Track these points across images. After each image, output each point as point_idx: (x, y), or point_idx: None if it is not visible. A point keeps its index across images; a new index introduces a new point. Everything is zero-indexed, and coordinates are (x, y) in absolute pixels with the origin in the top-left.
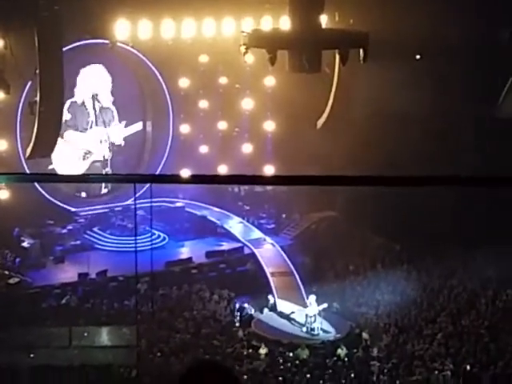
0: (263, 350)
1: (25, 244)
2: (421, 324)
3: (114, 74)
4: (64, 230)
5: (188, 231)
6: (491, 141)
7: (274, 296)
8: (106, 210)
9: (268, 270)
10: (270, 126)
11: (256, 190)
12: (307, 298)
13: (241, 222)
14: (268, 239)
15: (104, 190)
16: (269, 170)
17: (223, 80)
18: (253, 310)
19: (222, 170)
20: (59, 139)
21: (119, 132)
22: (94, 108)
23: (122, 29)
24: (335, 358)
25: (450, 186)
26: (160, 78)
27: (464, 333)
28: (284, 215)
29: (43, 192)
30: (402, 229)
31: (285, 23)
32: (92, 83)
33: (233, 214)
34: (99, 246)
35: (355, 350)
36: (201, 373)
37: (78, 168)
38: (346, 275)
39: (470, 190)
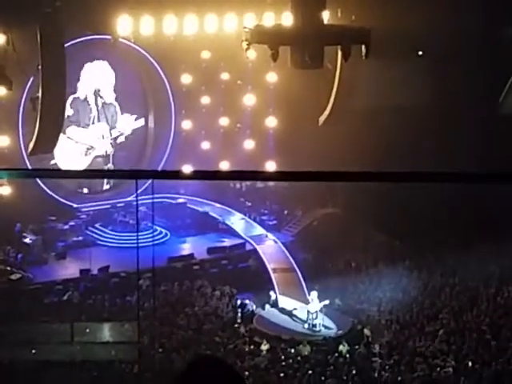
0: (265, 347)
1: (27, 240)
2: (422, 321)
3: (115, 69)
4: (66, 226)
5: (190, 227)
6: (491, 139)
7: (275, 292)
8: (108, 206)
9: (270, 267)
10: (271, 122)
11: (258, 186)
12: (309, 294)
13: (243, 219)
14: (270, 235)
15: (106, 186)
16: (271, 166)
17: (225, 76)
18: (254, 307)
19: (224, 166)
20: (61, 135)
21: (129, 123)
22: (97, 104)
23: (124, 24)
24: (337, 355)
25: (456, 182)
26: (162, 73)
27: (465, 329)
28: (286, 211)
29: (45, 188)
30: (404, 226)
31: (287, 19)
32: (94, 79)
33: (235, 210)
34: (101, 242)
35: (357, 347)
36: (202, 368)
37: (81, 163)
38: (347, 272)
39: (472, 186)
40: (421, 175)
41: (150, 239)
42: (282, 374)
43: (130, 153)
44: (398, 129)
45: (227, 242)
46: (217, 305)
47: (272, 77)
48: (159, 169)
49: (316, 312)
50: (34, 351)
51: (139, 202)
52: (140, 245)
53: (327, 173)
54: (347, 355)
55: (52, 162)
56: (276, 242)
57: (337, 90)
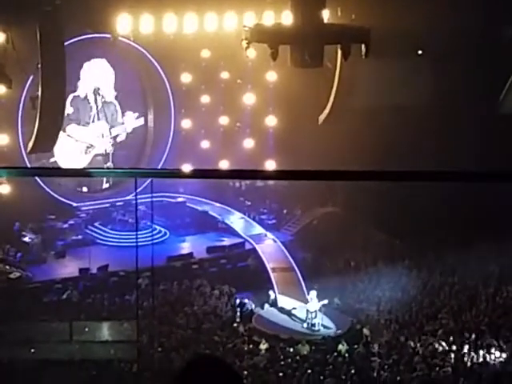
0: (264, 346)
1: (26, 239)
2: (422, 320)
3: (115, 68)
4: (65, 225)
5: (189, 226)
6: (491, 138)
7: (274, 292)
8: (108, 205)
9: (269, 266)
10: (271, 121)
11: (257, 185)
12: (308, 293)
13: (242, 218)
14: (269, 235)
15: (105, 185)
16: (270, 165)
17: (225, 75)
18: (253, 306)
19: (224, 165)
20: (62, 133)
21: (131, 121)
22: (96, 102)
23: (124, 23)
24: (336, 354)
25: (455, 181)
26: (162, 72)
27: (465, 329)
28: (285, 211)
29: (44, 187)
30: (404, 225)
31: (287, 18)
32: (94, 77)
33: (234, 209)
34: (100, 241)
35: (356, 346)
36: (200, 368)
37: (80, 162)
38: (347, 271)
39: (472, 185)
40: (420, 174)
41: (150, 238)
42: (280, 374)
43: (130, 152)
44: (398, 128)
45: (226, 241)
46: (216, 304)
47: (272, 76)
48: (159, 168)
49: (315, 311)
50: (33, 350)
51: (138, 201)
52: (139, 244)
53: (327, 172)
54: (346, 355)
55: (52, 159)
56: (275, 242)
57: (336, 89)
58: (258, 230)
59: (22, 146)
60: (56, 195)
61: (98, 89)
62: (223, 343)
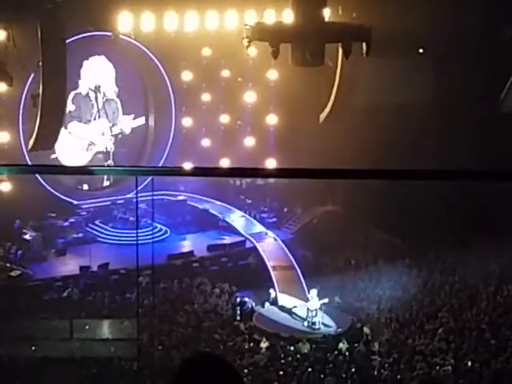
0: (264, 344)
1: (27, 236)
2: (422, 319)
3: (116, 66)
4: (66, 223)
5: (190, 224)
6: (491, 138)
7: (275, 290)
8: (108, 203)
9: (269, 264)
10: (272, 119)
11: (258, 183)
12: (308, 292)
13: (242, 216)
14: (270, 233)
15: (106, 183)
16: (271, 163)
17: (226, 73)
18: (254, 304)
19: (224, 163)
20: (63, 130)
21: (128, 123)
22: (97, 100)
23: (125, 21)
24: (336, 353)
25: (455, 180)
26: (163, 70)
27: (465, 328)
28: (286, 209)
29: (45, 185)
30: (404, 223)
31: (288, 16)
32: (95, 75)
33: (235, 207)
34: (101, 239)
35: (356, 345)
36: (200, 366)
37: (82, 159)
38: (347, 270)
39: (473, 184)
40: (420, 173)
41: (150, 236)
42: (281, 372)
43: (131, 150)
44: (398, 126)
45: (227, 240)
46: (216, 302)
47: (273, 74)
48: (159, 166)
49: (315, 310)
50: (33, 348)
51: (139, 199)
52: (140, 242)
53: (327, 170)
54: (346, 353)
55: (53, 156)
56: (276, 240)
57: (337, 88)
58: (258, 228)
59: (22, 144)
60: (57, 193)
61: (99, 86)
62: (224, 341)
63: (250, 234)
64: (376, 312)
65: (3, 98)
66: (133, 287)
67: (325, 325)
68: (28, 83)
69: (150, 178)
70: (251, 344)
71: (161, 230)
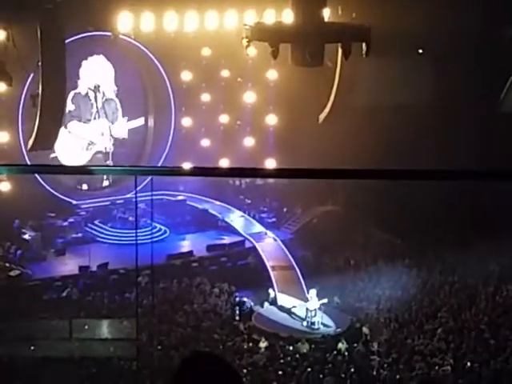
0: (263, 344)
1: (26, 236)
2: (421, 319)
3: (116, 66)
4: (65, 223)
5: (189, 224)
6: (491, 138)
7: (274, 290)
8: (108, 203)
9: (269, 264)
10: (271, 119)
11: (257, 183)
12: (308, 292)
13: (242, 216)
14: (269, 233)
15: (105, 183)
16: (270, 163)
17: (225, 73)
18: (253, 304)
19: (224, 163)
20: (63, 129)
21: (122, 127)
22: (97, 99)
23: (125, 21)
24: (335, 353)
25: (455, 180)
26: (162, 70)
27: (464, 328)
28: (285, 209)
29: (45, 184)
30: (404, 223)
31: (287, 16)
32: (95, 74)
33: (234, 207)
34: (100, 239)
35: (355, 345)
36: (199, 365)
37: (81, 158)
38: (346, 270)
39: (473, 184)
40: (420, 173)
41: (150, 236)
42: (280, 372)
43: (130, 150)
44: (398, 127)
45: (226, 240)
46: (216, 302)
47: (272, 74)
48: (159, 166)
49: (315, 310)
50: (32, 347)
51: (138, 199)
52: (139, 242)
53: (327, 170)
54: (346, 353)
55: (52, 155)
56: (275, 240)
57: (337, 88)
58: (257, 228)
59: (22, 144)
60: (56, 193)
61: (99, 86)
62: (223, 341)
63: (250, 234)
64: (375, 312)
65: (3, 97)
66: (132, 287)
67: (324, 325)
68: (27, 83)
69: (149, 178)
70: (250, 344)
71: (160, 229)
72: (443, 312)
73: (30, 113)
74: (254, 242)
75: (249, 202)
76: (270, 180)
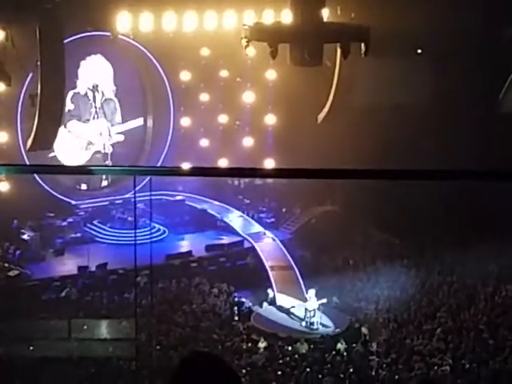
0: (262, 344)
1: (25, 236)
2: (420, 319)
3: (115, 66)
4: (64, 223)
5: (188, 224)
6: (491, 138)
7: (273, 290)
8: (107, 203)
9: (268, 264)
10: (270, 119)
11: (256, 183)
12: (307, 292)
13: (241, 216)
14: (268, 233)
15: (104, 183)
16: (269, 163)
17: (224, 73)
18: (252, 304)
19: (223, 163)
20: (63, 128)
21: (119, 130)
22: (96, 99)
23: (124, 21)
24: (334, 353)
25: (454, 180)
26: (161, 70)
27: (463, 328)
28: (284, 209)
29: (43, 184)
30: (403, 223)
31: (286, 16)
32: (93, 74)
33: (233, 207)
34: (99, 239)
35: (354, 345)
36: (198, 365)
37: (81, 158)
38: (345, 270)
39: (472, 184)
40: (419, 173)
41: (148, 236)
42: (279, 372)
43: (129, 150)
44: (397, 127)
45: (225, 240)
46: (214, 302)
47: (271, 74)
48: (158, 166)
49: (314, 310)
50: (31, 347)
51: (137, 199)
52: (138, 242)
53: (326, 170)
54: (345, 353)
55: (51, 154)
56: (274, 240)
57: (336, 88)
58: (256, 228)
59: (21, 144)
60: (55, 193)
61: (97, 86)
62: (222, 341)
63: (249, 234)
64: (374, 312)
65: (1, 97)
66: (131, 287)
67: (323, 325)
68: (26, 83)
69: (148, 178)
70: (249, 344)
71: (159, 229)
72: (442, 312)
73: (29, 113)
74: (252, 242)
75: (248, 202)
76: (269, 180)
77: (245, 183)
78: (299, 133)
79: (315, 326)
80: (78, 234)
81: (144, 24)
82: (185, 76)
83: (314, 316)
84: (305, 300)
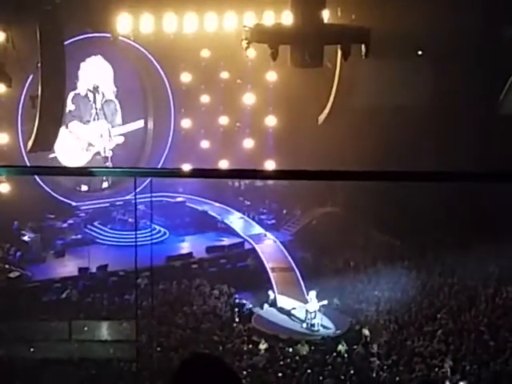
0: (263, 346)
1: (25, 238)
2: (421, 321)
3: (115, 68)
4: (65, 224)
5: (189, 226)
6: (491, 139)
7: (274, 292)
8: (107, 205)
9: (268, 266)
10: (271, 121)
11: (257, 185)
12: (307, 293)
13: (241, 218)
14: (269, 235)
15: (105, 185)
16: (270, 165)
17: (225, 75)
18: (252, 306)
19: (223, 165)
20: (64, 129)
21: (119, 132)
22: (96, 100)
23: (124, 23)
24: (335, 354)
25: (455, 181)
26: (162, 72)
27: (464, 330)
28: (285, 211)
29: (44, 186)
30: (403, 225)
31: (287, 18)
32: (93, 75)
33: (233, 209)
34: (100, 241)
35: (355, 347)
36: (198, 367)
37: (81, 159)
38: (346, 271)
39: (473, 186)
40: (420, 174)
41: (149, 238)
42: (280, 374)
43: (129, 151)
44: (398, 128)
45: (226, 241)
46: (215, 304)
47: (272, 76)
48: (158, 167)
49: (314, 311)
50: (32, 349)
51: (138, 201)
52: (138, 243)
53: (326, 172)
54: (345, 355)
55: (51, 155)
56: (275, 242)
57: (336, 89)
58: (257, 229)
59: (21, 145)
60: (55, 194)
61: (98, 87)
62: (222, 343)
63: (249, 236)
64: (375, 314)
65: (2, 99)
66: (131, 289)
67: (324, 326)
68: (27, 84)
69: (148, 180)
70: (250, 346)
71: (160, 231)
72: (443, 314)
73: (30, 114)
74: (253, 243)
75: (248, 203)
76: (270, 181)
77: (245, 185)
78: (300, 134)
79: (316, 328)
80: (79, 236)
81: (144, 25)
82: (185, 77)
83: (314, 318)
84: (305, 302)
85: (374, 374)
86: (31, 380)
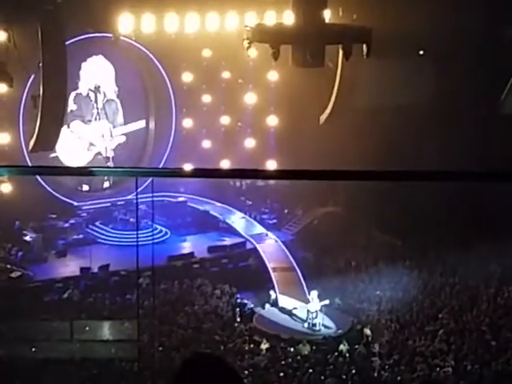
0: (264, 346)
1: (27, 238)
2: (422, 320)
3: (117, 67)
4: (66, 224)
5: (190, 226)
6: (492, 139)
7: (275, 291)
8: (109, 204)
9: (270, 266)
10: (272, 120)
11: (258, 184)
12: (309, 293)
13: (243, 217)
14: (270, 234)
15: (106, 184)
16: (271, 164)
17: (226, 74)
18: (254, 306)
19: (225, 164)
20: (66, 129)
21: (121, 132)
22: (97, 100)
23: (126, 22)
24: (337, 354)
25: (456, 181)
26: (163, 72)
27: (465, 329)
28: (286, 210)
29: (46, 186)
30: (405, 224)
31: (288, 18)
32: (95, 75)
33: (235, 208)
34: (101, 240)
35: (357, 346)
36: (200, 366)
37: (83, 158)
38: (347, 271)
39: (474, 185)
40: (421, 174)
41: (150, 237)
42: (281, 373)
43: (131, 151)
44: (399, 128)
45: (227, 241)
46: (217, 303)
47: (273, 75)
48: (160, 167)
49: (316, 311)
50: (34, 349)
51: (140, 201)
52: (140, 243)
53: (328, 171)
54: (347, 355)
55: (52, 155)
56: (276, 241)
57: (338, 89)
58: (258, 229)
59: (23, 145)
60: (57, 194)
61: (99, 87)
62: (224, 343)
63: (251, 236)
64: (376, 313)
65: (4, 98)
66: (133, 288)
67: (325, 326)
68: (28, 84)
69: (150, 180)
70: (251, 345)
71: (161, 231)
72: (444, 313)
73: (31, 114)
74: (254, 243)
75: (250, 203)
76: (271, 181)
77: (247, 184)
78: (301, 134)
79: (317, 328)
80: (80, 236)
81: (146, 25)
82: (187, 77)
83: (316, 317)
84: (307, 301)
85: (376, 374)
86: (33, 380)
